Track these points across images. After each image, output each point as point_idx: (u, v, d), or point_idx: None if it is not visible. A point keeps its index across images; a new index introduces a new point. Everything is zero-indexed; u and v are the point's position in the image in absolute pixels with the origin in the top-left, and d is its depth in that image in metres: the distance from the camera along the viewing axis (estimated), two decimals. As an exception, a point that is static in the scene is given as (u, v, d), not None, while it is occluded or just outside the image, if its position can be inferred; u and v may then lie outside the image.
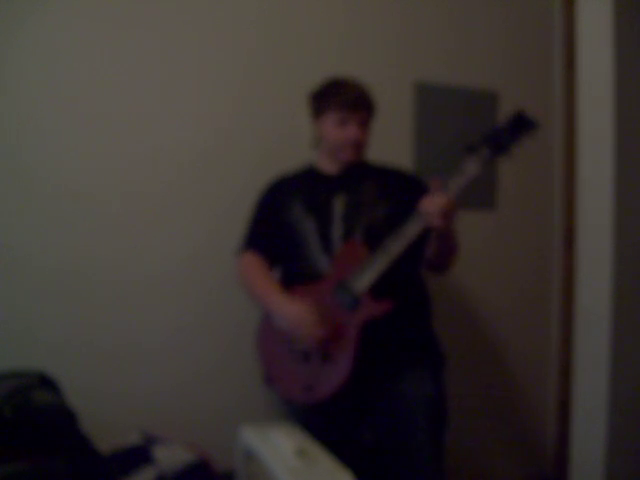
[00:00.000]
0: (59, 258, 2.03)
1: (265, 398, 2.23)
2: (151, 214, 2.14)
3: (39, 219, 2.01)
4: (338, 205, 1.88)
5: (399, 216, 1.81)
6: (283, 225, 1.91)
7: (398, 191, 1.91)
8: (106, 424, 1.90)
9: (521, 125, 1.69)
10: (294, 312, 1.78)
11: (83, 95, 2.05)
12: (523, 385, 2.71)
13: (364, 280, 1.74)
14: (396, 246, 1.72)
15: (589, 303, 1.99)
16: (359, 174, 1.94)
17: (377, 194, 1.89)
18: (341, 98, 1.84)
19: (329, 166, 1.96)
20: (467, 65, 2.58)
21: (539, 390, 2.74)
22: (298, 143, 2.20)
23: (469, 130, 2.58)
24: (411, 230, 1.71)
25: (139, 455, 1.80)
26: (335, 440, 1.83)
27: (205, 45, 2.19)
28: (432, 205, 1.65)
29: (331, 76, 1.93)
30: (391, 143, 2.39)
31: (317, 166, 1.99)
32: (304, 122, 2.06)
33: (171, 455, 1.82)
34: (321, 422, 1.89)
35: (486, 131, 1.72)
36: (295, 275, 1.90)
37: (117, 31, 2.09)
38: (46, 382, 1.71)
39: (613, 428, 1.88)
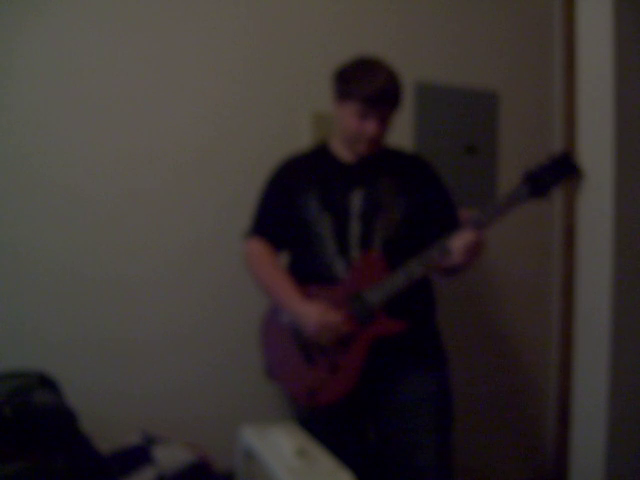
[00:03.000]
0: (59, 257, 2.03)
1: (265, 398, 2.24)
2: (151, 213, 2.14)
3: (39, 217, 2.01)
4: (355, 201, 1.81)
5: (416, 218, 1.82)
6: (297, 219, 1.85)
7: (416, 187, 1.85)
8: (106, 424, 1.90)
9: (564, 168, 1.67)
10: (317, 313, 1.74)
11: (83, 94, 2.05)
12: (523, 385, 2.71)
13: (381, 296, 1.72)
14: (418, 270, 1.70)
15: (589, 303, 1.99)
16: (377, 166, 1.85)
17: (395, 191, 1.81)
18: (365, 89, 1.70)
19: (345, 153, 1.86)
20: (467, 65, 2.58)
21: (539, 390, 2.74)
22: (297, 140, 2.21)
23: (469, 130, 2.58)
24: (434, 258, 1.69)
25: (139, 455, 1.80)
26: (339, 439, 1.84)
27: (204, 44, 2.19)
28: (459, 242, 1.64)
29: (361, 56, 1.81)
30: (391, 143, 2.39)
31: (332, 149, 1.90)
32: (303, 120, 2.06)
33: (171, 455, 1.82)
34: (325, 421, 1.89)
35: (529, 167, 1.67)
36: (309, 274, 1.85)
37: (117, 31, 2.09)
38: (46, 382, 1.71)
39: (613, 428, 1.88)
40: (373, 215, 1.79)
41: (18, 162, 1.99)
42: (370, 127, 1.75)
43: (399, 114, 2.47)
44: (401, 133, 2.46)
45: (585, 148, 1.99)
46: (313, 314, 1.74)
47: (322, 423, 1.88)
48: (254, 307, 2.07)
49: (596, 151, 1.95)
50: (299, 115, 2.28)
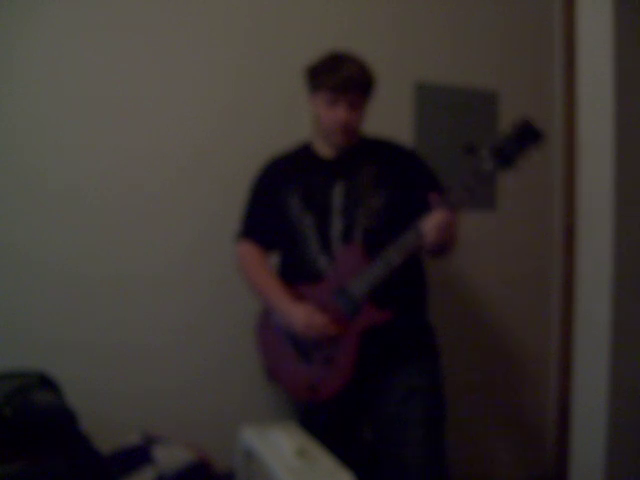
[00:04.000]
0: (58, 257, 2.03)
1: (265, 398, 2.24)
2: (150, 212, 2.14)
3: (38, 217, 2.01)
4: (336, 196, 1.82)
5: (397, 206, 1.81)
6: (281, 217, 1.87)
7: (397, 175, 1.85)
8: (106, 424, 1.90)
9: (527, 136, 1.63)
10: (303, 315, 1.76)
11: (83, 95, 2.05)
12: (523, 385, 2.71)
13: (363, 287, 1.73)
14: (396, 258, 1.70)
15: (589, 303, 1.99)
16: (356, 157, 1.86)
17: (375, 180, 1.82)
18: (333, 77, 1.75)
19: (325, 149, 1.88)
20: (467, 65, 2.58)
21: (539, 390, 2.74)
22: (297, 139, 2.20)
23: (469, 130, 2.58)
24: (410, 242, 1.68)
25: (139, 455, 1.80)
26: (336, 437, 1.84)
27: (203, 44, 2.19)
28: (431, 223, 1.64)
29: (330, 50, 1.85)
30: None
31: (313, 147, 1.92)
32: (300, 119, 2.06)
33: (171, 455, 1.82)
34: (323, 419, 1.90)
35: (490, 141, 1.65)
36: (296, 273, 1.87)
37: (116, 32, 2.09)
38: (46, 382, 1.71)
39: (613, 428, 1.88)
40: (354, 208, 1.81)
41: (18, 162, 1.99)
42: (340, 113, 1.77)
43: (399, 114, 2.49)
44: (401, 133, 2.46)
45: (585, 148, 1.99)
46: (300, 315, 1.77)
47: (322, 423, 1.88)
48: (254, 307, 2.07)
49: (596, 151, 1.96)
50: (299, 115, 2.28)
